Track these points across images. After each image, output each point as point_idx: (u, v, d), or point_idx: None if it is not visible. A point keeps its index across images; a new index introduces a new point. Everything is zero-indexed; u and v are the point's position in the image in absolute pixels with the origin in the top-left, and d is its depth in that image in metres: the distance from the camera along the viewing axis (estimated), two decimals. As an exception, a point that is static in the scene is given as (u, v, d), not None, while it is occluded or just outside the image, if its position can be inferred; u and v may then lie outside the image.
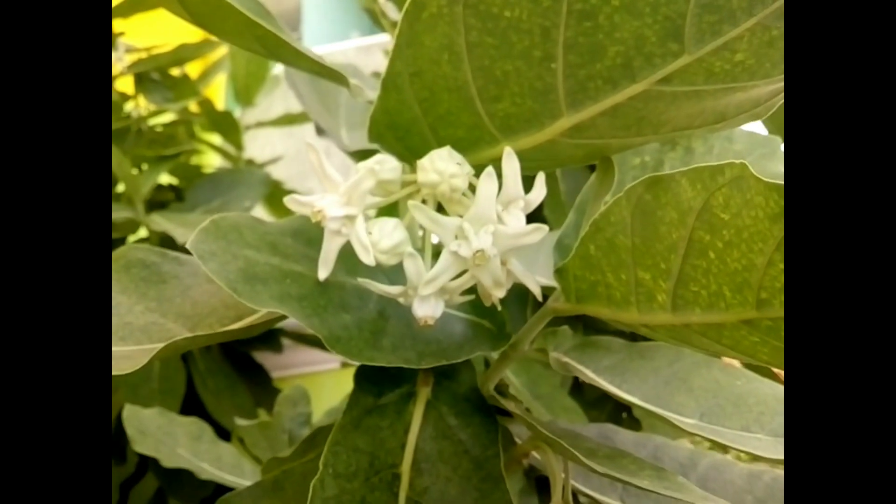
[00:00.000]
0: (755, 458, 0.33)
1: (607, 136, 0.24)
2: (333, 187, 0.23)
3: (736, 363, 0.39)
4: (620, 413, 0.57)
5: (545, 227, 0.23)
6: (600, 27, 0.20)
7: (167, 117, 1.07)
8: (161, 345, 0.22)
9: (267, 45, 0.30)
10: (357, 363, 0.24)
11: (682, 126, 0.24)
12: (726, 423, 0.35)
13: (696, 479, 0.42)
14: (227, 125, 1.09)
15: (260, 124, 1.16)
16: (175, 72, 1.04)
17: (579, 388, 0.55)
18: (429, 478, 0.29)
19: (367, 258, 0.22)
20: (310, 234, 0.27)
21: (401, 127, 0.27)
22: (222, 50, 1.14)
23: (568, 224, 0.34)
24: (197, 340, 0.23)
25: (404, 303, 0.26)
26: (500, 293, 0.24)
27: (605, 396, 0.61)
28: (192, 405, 0.81)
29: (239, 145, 1.13)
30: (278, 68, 1.17)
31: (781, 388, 0.37)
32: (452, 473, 0.29)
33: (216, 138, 1.14)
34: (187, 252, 0.25)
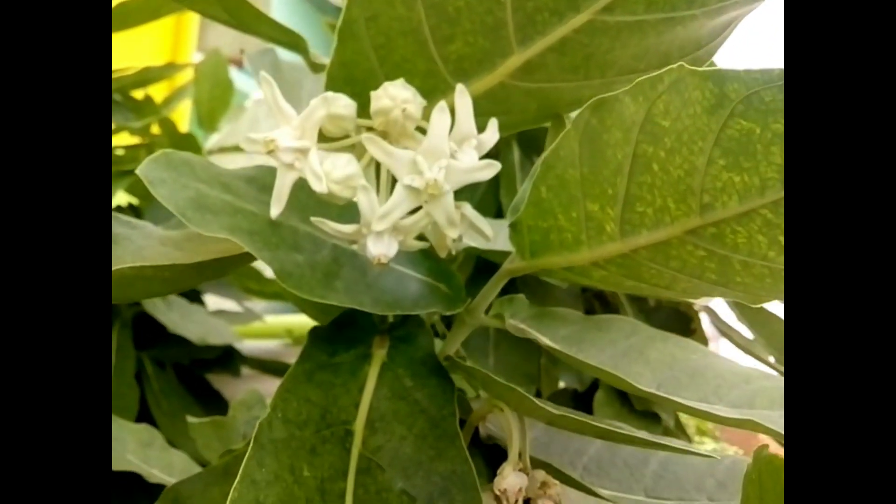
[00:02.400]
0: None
1: (557, 79, 0.25)
2: (287, 120, 0.23)
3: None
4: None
5: (497, 164, 0.24)
6: (545, -42, 0.21)
7: (128, 140, 1.06)
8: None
9: (230, 9, 0.30)
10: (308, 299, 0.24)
11: (627, 69, 0.25)
12: (683, 394, 0.35)
13: (656, 463, 0.42)
14: (189, 148, 1.09)
15: (223, 149, 1.15)
16: (138, 95, 1.03)
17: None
18: (383, 436, 0.28)
19: (320, 186, 0.22)
20: (264, 181, 0.27)
21: (357, 81, 0.27)
22: (187, 74, 1.14)
23: (522, 191, 0.35)
24: (144, 271, 0.22)
25: (358, 248, 0.26)
26: (453, 233, 0.24)
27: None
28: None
29: (201, 170, 1.12)
30: (241, 82, 1.17)
31: (738, 364, 0.38)
32: (408, 432, 0.29)
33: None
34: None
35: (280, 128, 0.23)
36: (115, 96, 1.03)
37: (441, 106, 0.23)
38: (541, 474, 0.30)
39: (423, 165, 0.23)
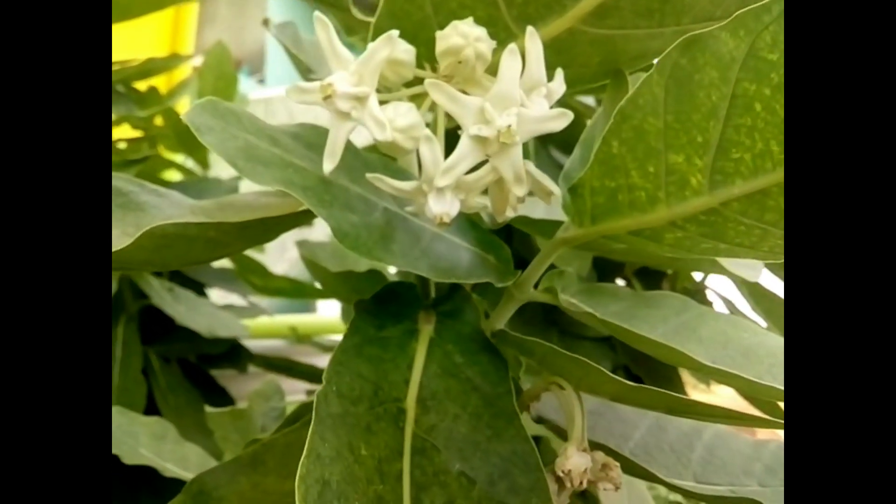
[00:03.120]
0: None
1: (628, 25, 0.23)
2: (343, 65, 0.21)
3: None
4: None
5: (569, 113, 0.22)
6: None
7: (131, 133, 1.04)
8: (149, 226, 0.20)
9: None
10: (368, 260, 0.22)
11: (703, 16, 0.23)
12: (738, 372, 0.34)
13: (702, 449, 0.41)
14: (192, 140, 1.06)
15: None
16: (142, 86, 1.01)
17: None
18: (436, 415, 0.26)
19: (383, 134, 0.20)
20: (309, 139, 0.25)
21: (407, 32, 0.25)
22: (190, 67, 1.12)
23: (573, 159, 0.33)
24: (188, 229, 0.20)
25: (414, 208, 0.24)
26: (520, 190, 0.23)
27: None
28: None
29: (205, 163, 1.10)
30: (244, 84, 1.15)
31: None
32: (461, 411, 0.27)
33: (181, 158, 1.10)
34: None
35: (336, 72, 0.21)
36: (118, 87, 1.01)
37: (512, 48, 0.21)
38: (601, 456, 0.28)
39: (492, 113, 0.21)
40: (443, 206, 0.22)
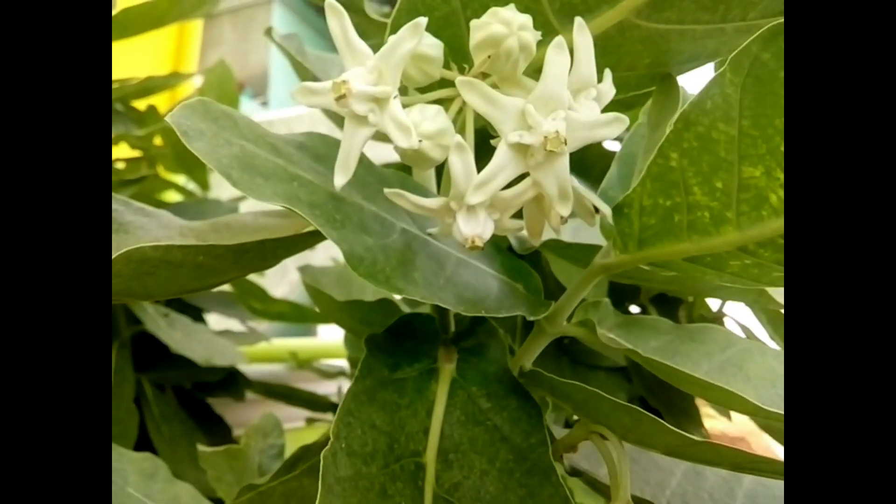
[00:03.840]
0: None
1: (688, 19, 0.20)
2: (359, 60, 0.18)
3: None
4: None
5: (625, 118, 0.19)
6: None
7: (129, 153, 1.01)
8: (127, 248, 0.16)
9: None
10: (387, 292, 0.18)
11: (774, 9, 0.20)
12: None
13: (743, 497, 0.37)
14: (192, 160, 1.03)
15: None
16: (141, 105, 0.98)
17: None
18: (459, 471, 0.23)
19: (408, 140, 0.17)
20: (317, 150, 0.21)
21: (429, 30, 0.22)
22: (191, 86, 1.09)
23: (610, 177, 0.30)
24: (171, 253, 0.17)
25: (438, 231, 0.21)
26: (565, 208, 0.19)
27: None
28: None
29: (205, 184, 1.07)
30: (242, 107, 1.13)
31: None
32: (489, 466, 0.23)
33: (181, 179, 1.08)
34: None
35: (352, 69, 0.18)
36: (117, 106, 0.98)
37: (559, 42, 0.18)
38: (647, 515, 0.25)
39: (536, 117, 0.17)
40: (475, 227, 0.18)
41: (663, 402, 0.57)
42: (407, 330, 0.26)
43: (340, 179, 0.18)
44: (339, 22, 0.18)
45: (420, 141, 0.17)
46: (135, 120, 1.00)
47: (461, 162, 0.18)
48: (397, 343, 0.25)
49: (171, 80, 1.02)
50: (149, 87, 0.97)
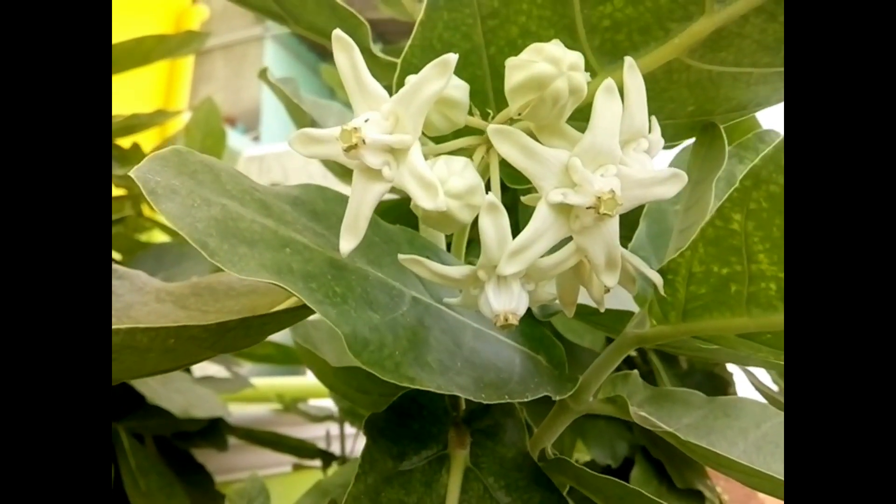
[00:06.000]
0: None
1: (745, 62, 0.17)
2: (374, 103, 0.15)
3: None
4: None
5: (685, 176, 0.16)
6: None
7: (113, 192, 0.97)
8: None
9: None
10: (394, 381, 0.15)
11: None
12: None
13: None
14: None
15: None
16: (126, 143, 0.96)
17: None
18: (478, 586, 0.19)
19: (432, 201, 0.14)
20: (315, 206, 0.18)
21: (446, 69, 0.19)
22: (178, 123, 1.07)
23: (639, 235, 0.27)
24: (135, 338, 0.14)
25: (460, 301, 0.18)
26: (612, 279, 0.16)
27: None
28: (117, 511, 0.67)
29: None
30: (233, 140, 1.10)
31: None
32: (512, 576, 0.19)
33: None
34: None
35: (364, 114, 0.15)
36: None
37: (609, 85, 0.15)
38: None
39: (583, 173, 0.14)
40: (508, 302, 0.15)
41: (665, 452, 0.54)
42: (412, 408, 0.23)
43: (347, 245, 0.15)
44: (349, 57, 0.15)
45: (448, 201, 0.14)
46: (118, 158, 0.97)
47: (494, 225, 0.15)
48: (402, 424, 0.22)
49: (156, 118, 0.99)
50: (133, 124, 0.95)
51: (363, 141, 0.14)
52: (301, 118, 0.33)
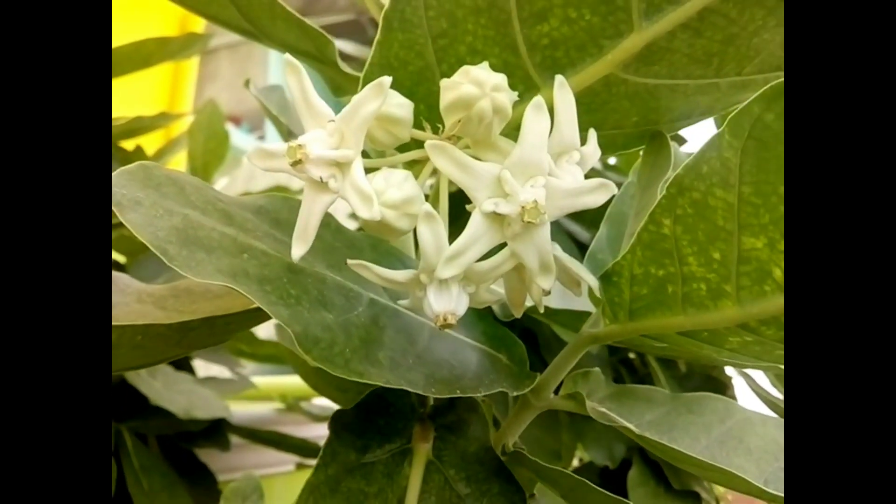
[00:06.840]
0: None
1: (679, 74, 0.18)
2: (319, 121, 0.16)
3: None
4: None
5: (612, 186, 0.17)
6: None
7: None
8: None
9: (240, 5, 0.24)
10: (344, 377, 0.16)
11: (771, 64, 0.19)
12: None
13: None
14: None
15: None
16: (129, 146, 0.97)
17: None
18: (435, 571, 0.20)
19: (369, 210, 0.15)
20: (278, 215, 0.20)
21: (403, 86, 0.20)
22: (181, 126, 1.08)
23: (599, 238, 0.28)
24: (122, 338, 0.15)
25: (408, 303, 0.19)
26: (546, 282, 0.17)
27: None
28: (120, 510, 0.69)
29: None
30: (238, 139, 1.12)
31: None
32: (468, 563, 0.21)
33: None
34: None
35: (310, 131, 0.16)
36: (105, 146, 0.97)
37: (538, 102, 0.16)
38: None
39: (513, 184, 0.16)
40: (447, 303, 0.17)
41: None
42: (380, 405, 0.24)
43: (298, 250, 0.16)
44: (298, 80, 0.16)
45: (383, 210, 0.15)
46: (122, 160, 0.98)
47: (430, 233, 0.16)
48: (368, 420, 0.23)
49: (159, 121, 1.01)
50: (136, 127, 0.96)
51: (307, 156, 0.15)
52: (281, 127, 0.34)
